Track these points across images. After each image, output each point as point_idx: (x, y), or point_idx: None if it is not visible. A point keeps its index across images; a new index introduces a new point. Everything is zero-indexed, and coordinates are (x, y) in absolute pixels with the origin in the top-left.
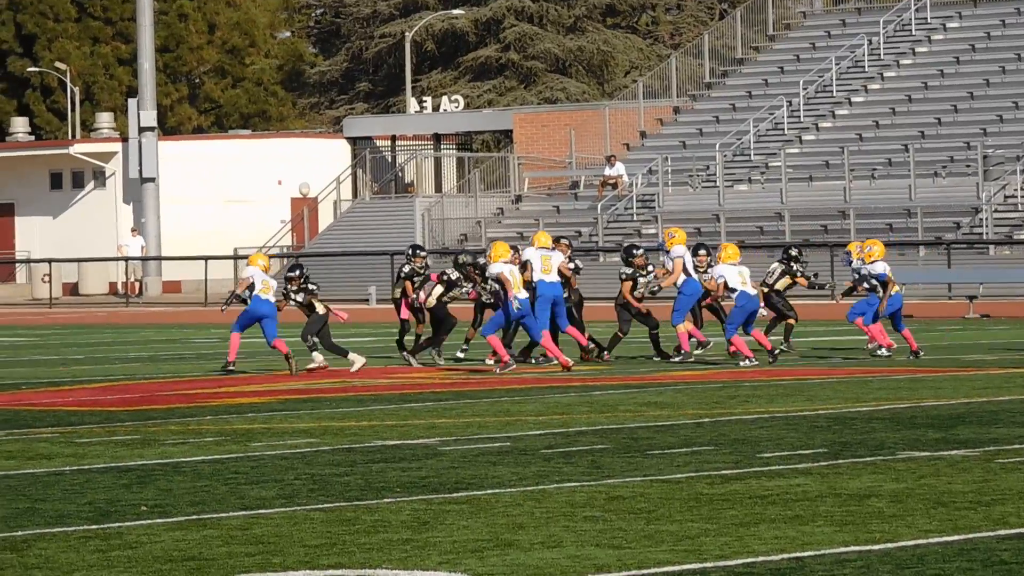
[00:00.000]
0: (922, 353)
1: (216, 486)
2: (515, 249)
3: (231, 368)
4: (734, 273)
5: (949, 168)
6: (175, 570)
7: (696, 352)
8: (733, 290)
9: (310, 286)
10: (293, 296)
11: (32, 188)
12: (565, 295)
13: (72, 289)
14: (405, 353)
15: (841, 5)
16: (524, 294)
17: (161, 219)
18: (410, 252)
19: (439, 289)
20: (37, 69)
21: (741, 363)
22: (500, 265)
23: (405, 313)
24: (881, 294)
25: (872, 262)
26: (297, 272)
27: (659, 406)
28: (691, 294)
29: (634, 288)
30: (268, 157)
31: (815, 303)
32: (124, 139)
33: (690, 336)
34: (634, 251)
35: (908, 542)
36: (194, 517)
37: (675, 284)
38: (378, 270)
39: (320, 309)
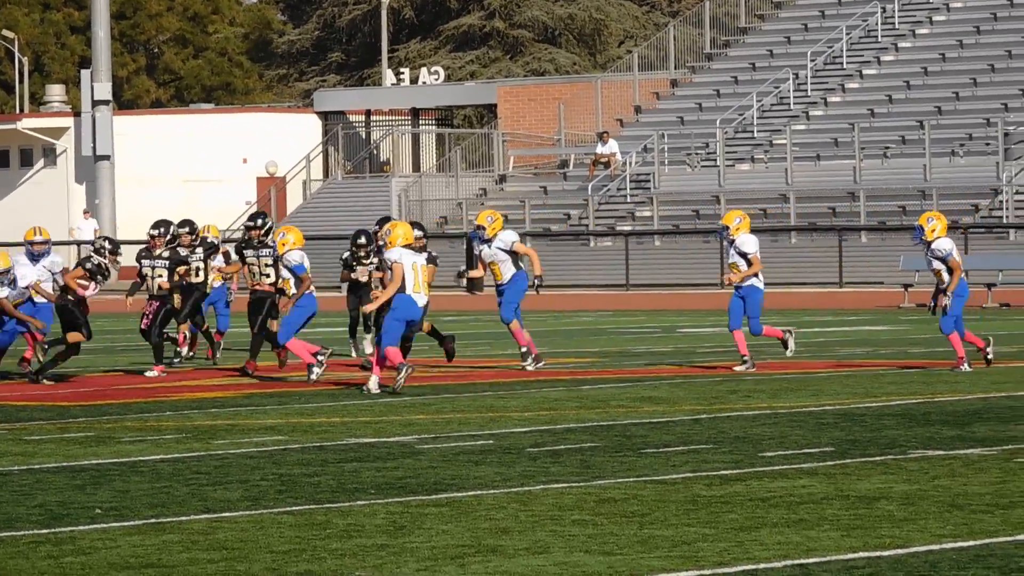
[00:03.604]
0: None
1: (176, 487)
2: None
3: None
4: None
5: (967, 147)
6: None
7: None
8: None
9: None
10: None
11: None
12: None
13: None
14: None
15: None
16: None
17: (116, 200)
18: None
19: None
20: None
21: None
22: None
23: None
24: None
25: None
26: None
27: (654, 401)
28: None
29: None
30: (232, 133)
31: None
32: (76, 113)
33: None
34: (359, 240)
35: (920, 548)
36: (153, 521)
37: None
38: None
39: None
